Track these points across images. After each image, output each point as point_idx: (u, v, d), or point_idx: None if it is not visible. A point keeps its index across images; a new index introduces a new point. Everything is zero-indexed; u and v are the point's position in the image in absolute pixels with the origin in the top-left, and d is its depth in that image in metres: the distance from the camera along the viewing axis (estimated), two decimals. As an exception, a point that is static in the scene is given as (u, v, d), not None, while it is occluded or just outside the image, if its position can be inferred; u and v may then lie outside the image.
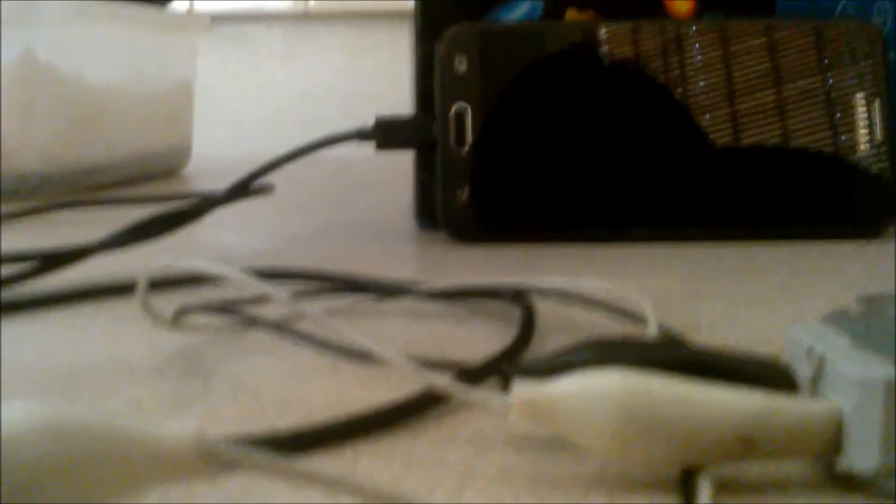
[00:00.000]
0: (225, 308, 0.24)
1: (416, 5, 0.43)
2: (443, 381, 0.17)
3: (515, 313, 0.28)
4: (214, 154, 0.95)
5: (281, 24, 1.47)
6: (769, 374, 0.18)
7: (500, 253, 0.38)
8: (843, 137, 0.40)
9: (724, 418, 0.16)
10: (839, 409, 0.16)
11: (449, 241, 0.41)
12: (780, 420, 0.16)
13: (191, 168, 0.75)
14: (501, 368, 0.18)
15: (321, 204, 0.54)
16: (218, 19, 1.38)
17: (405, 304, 0.30)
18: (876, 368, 0.16)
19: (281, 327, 0.21)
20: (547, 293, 0.28)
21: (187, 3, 1.37)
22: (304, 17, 1.40)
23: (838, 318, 0.19)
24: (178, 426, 0.11)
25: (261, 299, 0.28)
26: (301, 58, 1.50)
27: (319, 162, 0.80)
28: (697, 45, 0.40)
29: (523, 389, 0.16)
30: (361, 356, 0.20)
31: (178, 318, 0.23)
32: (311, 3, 1.41)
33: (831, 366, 0.17)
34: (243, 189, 0.39)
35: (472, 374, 0.18)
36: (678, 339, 0.23)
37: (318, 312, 0.17)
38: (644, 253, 0.38)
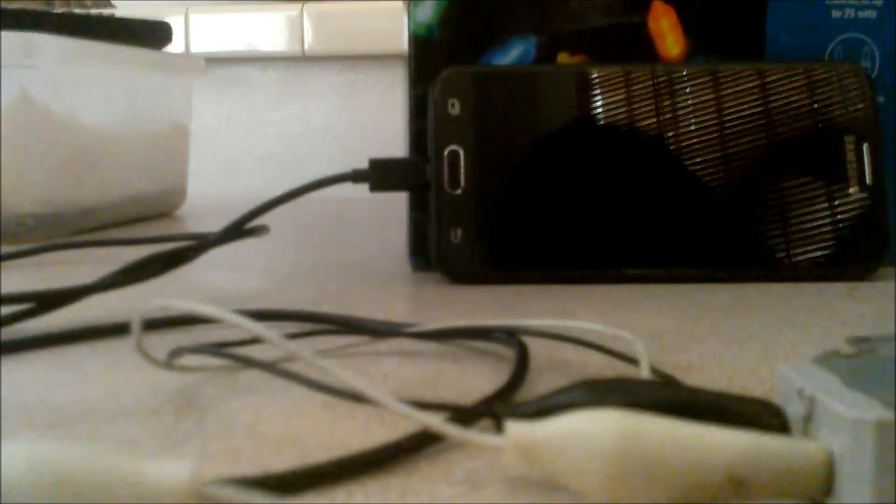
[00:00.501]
0: (220, 348, 0.25)
1: (409, 48, 0.43)
2: (436, 422, 0.17)
3: (508, 354, 0.28)
4: (209, 195, 0.95)
5: (276, 66, 1.49)
6: (760, 415, 0.18)
7: (494, 293, 0.39)
8: (833, 180, 0.40)
9: (715, 459, 0.16)
10: (830, 450, 0.16)
11: (443, 281, 0.42)
12: (771, 461, 0.16)
13: (186, 209, 0.75)
14: (494, 409, 0.18)
15: (315, 244, 0.54)
16: (213, 61, 1.39)
17: (398, 344, 0.30)
18: (867, 409, 0.16)
19: (274, 368, 0.21)
20: (540, 333, 0.28)
21: (183, 45, 1.38)
22: (299, 59, 1.41)
23: (829, 359, 0.19)
24: (173, 467, 0.11)
25: (255, 340, 0.28)
26: (296, 99, 1.51)
27: (314, 202, 0.81)
28: (689, 89, 0.41)
29: (516, 430, 0.16)
30: (354, 397, 0.20)
31: (172, 359, 0.23)
32: (307, 44, 1.42)
33: (822, 406, 0.17)
34: (238, 230, 0.39)
35: (465, 415, 0.19)
36: (670, 380, 0.23)
37: (310, 353, 0.17)
38: (637, 293, 0.38)
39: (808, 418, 0.17)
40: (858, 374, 0.18)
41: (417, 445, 0.18)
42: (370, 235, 0.59)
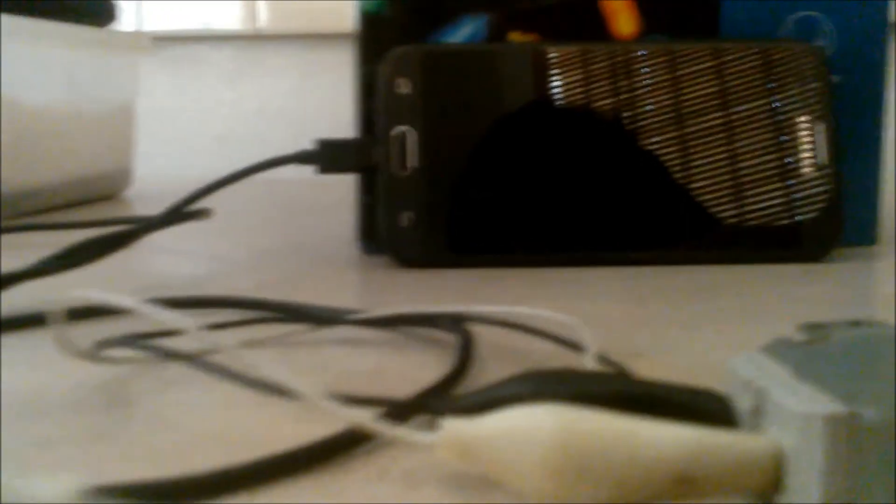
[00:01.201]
0: (146, 339, 0.23)
1: (357, 26, 0.42)
2: (366, 419, 0.16)
3: (454, 341, 0.27)
4: (162, 176, 0.93)
5: (230, 45, 1.46)
6: (708, 408, 0.17)
7: (445, 278, 0.38)
8: (788, 161, 0.40)
9: (660, 456, 0.15)
10: (780, 445, 0.16)
11: (392, 265, 0.40)
12: (719, 457, 0.15)
13: (134, 191, 0.73)
14: (431, 403, 0.17)
15: (264, 227, 0.53)
16: (167, 39, 1.37)
17: (341, 332, 0.29)
18: (817, 402, 0.15)
19: (198, 360, 0.20)
20: (486, 320, 0.27)
21: (135, 23, 1.36)
22: (254, 38, 1.39)
23: (780, 347, 0.18)
24: (56, 485, 0.10)
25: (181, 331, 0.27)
26: (251, 78, 1.49)
27: (265, 184, 0.79)
28: (647, 69, 0.40)
29: (451, 427, 0.15)
30: (280, 391, 0.19)
31: (97, 351, 0.22)
32: (262, 23, 1.40)
33: (771, 399, 0.16)
34: (177, 213, 0.38)
35: (400, 410, 0.18)
36: (616, 371, 0.22)
37: (234, 345, 0.16)
38: (594, 277, 0.38)
39: (757, 411, 0.16)
40: (810, 363, 0.17)
41: (349, 444, 0.17)
42: (321, 219, 0.57)
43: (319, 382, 0.23)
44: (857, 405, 0.15)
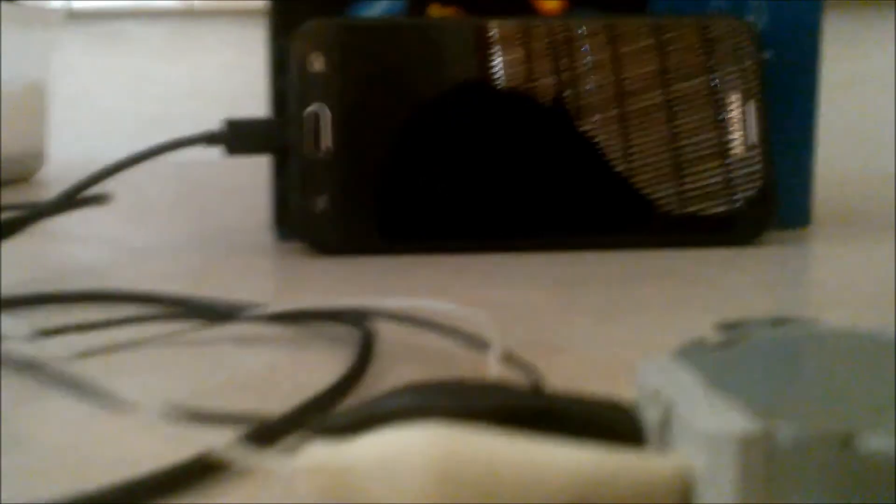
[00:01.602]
0: None
1: (268, -2, 0.39)
2: (220, 442, 0.14)
3: (358, 339, 0.25)
4: (90, 159, 0.89)
5: (163, 22, 1.42)
6: (613, 422, 0.15)
7: (362, 265, 0.36)
8: (719, 141, 0.38)
9: (556, 481, 0.13)
10: (689, 465, 0.14)
11: (307, 252, 0.38)
12: (620, 481, 0.14)
13: (47, 173, 0.70)
14: (300, 422, 0.15)
15: (172, 213, 0.51)
16: (92, 15, 1.32)
17: (239, 328, 0.27)
18: (729, 420, 0.13)
19: (40, 371, 0.18)
20: (391, 316, 0.25)
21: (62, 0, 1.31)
22: (188, 14, 1.35)
23: (694, 351, 0.17)
24: None
25: (71, 329, 0.25)
26: (185, 56, 1.45)
27: (177, 167, 0.76)
28: (587, 46, 0.38)
29: (312, 453, 0.13)
30: (121, 408, 0.17)
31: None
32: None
33: (680, 414, 0.14)
34: (72, 199, 0.35)
35: (265, 430, 0.15)
36: (515, 379, 0.20)
37: (65, 353, 0.14)
38: (517, 263, 0.36)
39: (665, 426, 0.15)
40: (724, 370, 0.15)
41: (197, 472, 0.15)
42: (236, 203, 0.55)
43: (193, 391, 0.21)
44: (773, 421, 0.13)
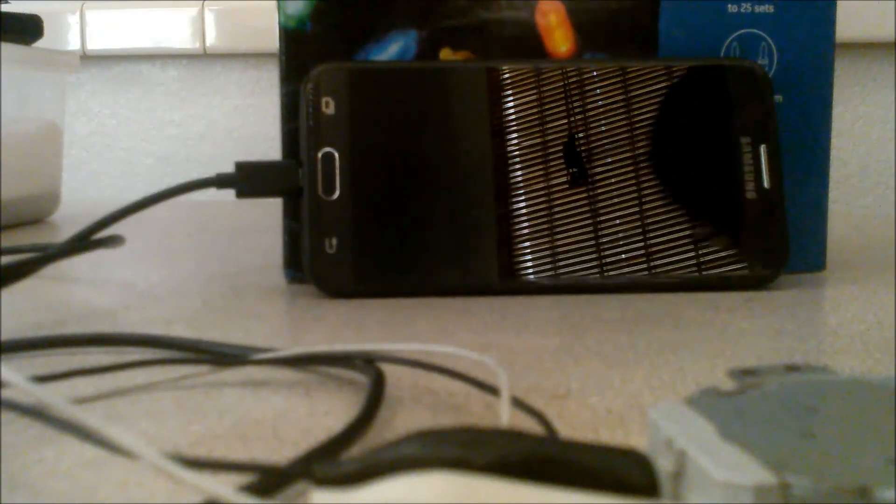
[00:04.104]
0: None
1: (280, 42, 0.40)
2: (226, 490, 0.13)
3: (368, 383, 0.25)
4: (106, 199, 0.90)
5: (176, 63, 1.44)
6: (625, 473, 0.15)
7: (371, 309, 0.35)
8: (729, 184, 0.38)
9: (566, 531, 0.13)
10: (702, 516, 0.14)
11: (318, 295, 0.38)
12: (632, 533, 0.13)
13: (67, 215, 0.70)
14: (305, 470, 0.15)
15: (185, 255, 0.51)
16: (111, 58, 1.33)
17: (248, 372, 0.26)
18: (742, 469, 0.13)
19: (45, 416, 0.18)
20: (401, 361, 0.25)
21: (79, 42, 1.33)
22: (201, 57, 1.36)
23: (706, 399, 0.16)
24: None
25: (81, 372, 0.25)
26: (198, 98, 1.46)
27: (190, 207, 0.77)
28: (598, 90, 0.38)
29: (320, 501, 0.13)
30: (125, 454, 0.17)
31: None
32: (209, 42, 1.38)
33: (694, 463, 0.14)
34: (84, 241, 0.35)
35: (270, 479, 0.15)
36: (539, 416, 0.20)
37: (62, 400, 0.14)
38: (523, 305, 0.36)
39: (679, 475, 0.14)
40: (737, 418, 0.15)
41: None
42: (249, 244, 0.55)
43: (201, 436, 0.21)
44: (787, 472, 0.13)
